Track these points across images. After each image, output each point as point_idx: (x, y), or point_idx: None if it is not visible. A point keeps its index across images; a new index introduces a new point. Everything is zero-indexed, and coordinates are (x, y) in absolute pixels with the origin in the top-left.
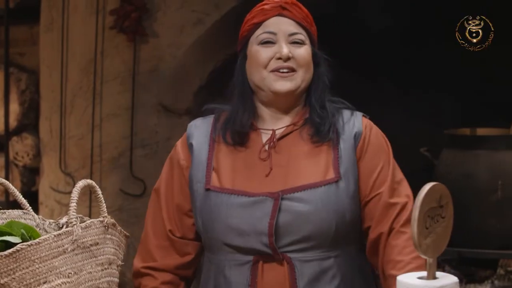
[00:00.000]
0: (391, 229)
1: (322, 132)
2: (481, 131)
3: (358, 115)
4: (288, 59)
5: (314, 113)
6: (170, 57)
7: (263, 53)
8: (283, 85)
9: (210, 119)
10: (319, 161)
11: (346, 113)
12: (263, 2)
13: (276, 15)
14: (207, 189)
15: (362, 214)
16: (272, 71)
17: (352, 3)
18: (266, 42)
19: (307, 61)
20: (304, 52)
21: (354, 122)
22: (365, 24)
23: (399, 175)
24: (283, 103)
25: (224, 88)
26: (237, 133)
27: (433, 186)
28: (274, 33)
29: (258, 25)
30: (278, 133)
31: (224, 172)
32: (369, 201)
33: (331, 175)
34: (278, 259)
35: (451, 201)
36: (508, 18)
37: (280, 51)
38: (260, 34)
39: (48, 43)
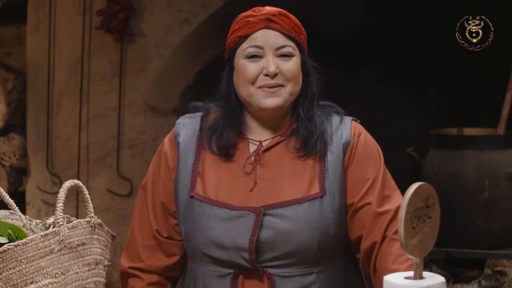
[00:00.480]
0: (384, 237)
1: (309, 145)
2: (468, 131)
3: (347, 121)
4: (275, 75)
5: (302, 125)
6: (157, 57)
7: (250, 68)
8: (271, 101)
9: (198, 118)
10: (304, 174)
11: (335, 119)
12: (249, 14)
13: (263, 28)
14: (191, 196)
15: (350, 224)
16: (260, 87)
17: (348, 2)
18: (253, 56)
19: (296, 74)
20: (292, 65)
21: (343, 131)
22: (357, 22)
23: (390, 184)
24: (271, 116)
25: (211, 88)
26: (224, 147)
27: (420, 186)
28: (261, 47)
29: (244, 38)
30: (265, 144)
31: (209, 180)
32: (358, 211)
33: (315, 189)
34: (259, 274)
35: (438, 201)
36: (508, 18)
37: (267, 67)
38: (246, 47)
39: (35, 43)
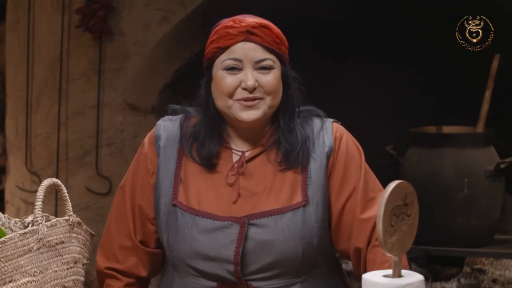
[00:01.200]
0: (369, 244)
1: (291, 158)
2: (447, 129)
3: (328, 125)
4: (254, 89)
5: (283, 138)
6: (136, 55)
7: (229, 80)
8: (249, 114)
9: (178, 122)
10: (286, 183)
11: (316, 124)
12: (229, 24)
13: (243, 40)
14: (174, 205)
15: (336, 233)
16: (238, 99)
17: None
18: (231, 69)
19: (275, 87)
20: (271, 79)
21: (324, 137)
22: (342, 15)
23: (374, 184)
24: (250, 127)
25: (189, 86)
26: (205, 157)
27: (399, 184)
28: (240, 60)
29: (223, 49)
30: (247, 154)
31: (192, 188)
32: (341, 219)
33: (298, 198)
34: None
35: (417, 199)
36: (508, 18)
37: (246, 81)
38: (225, 59)
39: (14, 42)
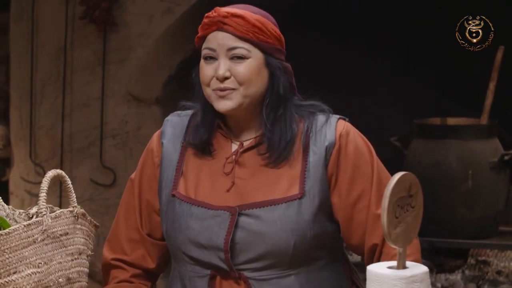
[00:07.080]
0: (384, 240)
1: (274, 152)
2: (451, 121)
3: (333, 122)
4: (225, 79)
5: (266, 130)
6: (140, 46)
7: (205, 70)
8: (223, 104)
9: (187, 118)
10: (283, 175)
11: (320, 119)
12: (208, 14)
13: (216, 30)
14: (173, 195)
15: (349, 229)
16: (214, 90)
17: None
18: (208, 58)
19: (248, 77)
20: (243, 69)
21: (327, 131)
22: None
23: (387, 181)
24: (237, 117)
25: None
26: (198, 143)
27: (403, 175)
28: (213, 50)
29: (202, 39)
30: (246, 144)
31: (191, 179)
32: (353, 217)
33: (294, 191)
34: (235, 277)
35: (421, 191)
36: (508, 18)
37: (217, 70)
38: (203, 49)
39: (18, 33)
